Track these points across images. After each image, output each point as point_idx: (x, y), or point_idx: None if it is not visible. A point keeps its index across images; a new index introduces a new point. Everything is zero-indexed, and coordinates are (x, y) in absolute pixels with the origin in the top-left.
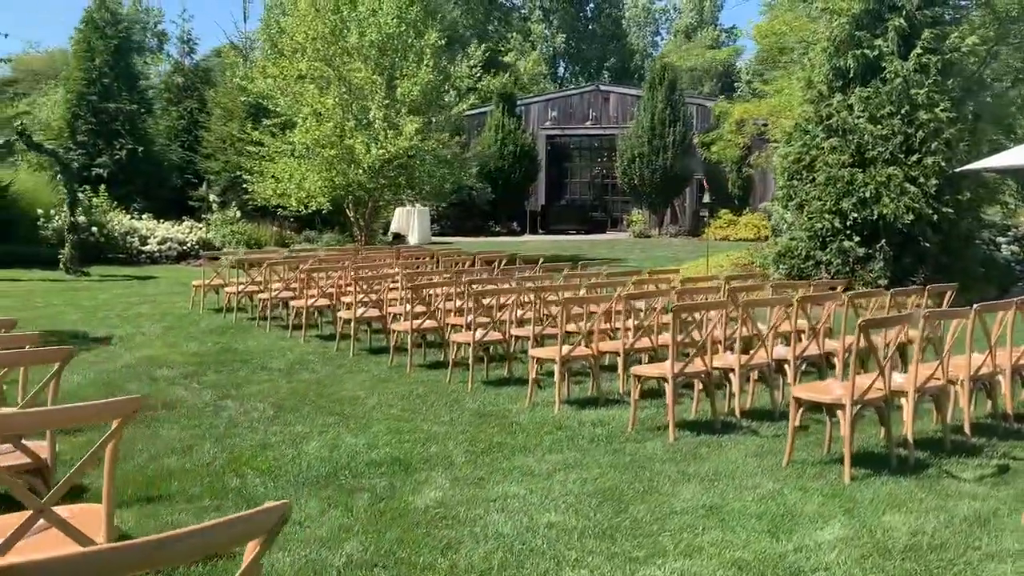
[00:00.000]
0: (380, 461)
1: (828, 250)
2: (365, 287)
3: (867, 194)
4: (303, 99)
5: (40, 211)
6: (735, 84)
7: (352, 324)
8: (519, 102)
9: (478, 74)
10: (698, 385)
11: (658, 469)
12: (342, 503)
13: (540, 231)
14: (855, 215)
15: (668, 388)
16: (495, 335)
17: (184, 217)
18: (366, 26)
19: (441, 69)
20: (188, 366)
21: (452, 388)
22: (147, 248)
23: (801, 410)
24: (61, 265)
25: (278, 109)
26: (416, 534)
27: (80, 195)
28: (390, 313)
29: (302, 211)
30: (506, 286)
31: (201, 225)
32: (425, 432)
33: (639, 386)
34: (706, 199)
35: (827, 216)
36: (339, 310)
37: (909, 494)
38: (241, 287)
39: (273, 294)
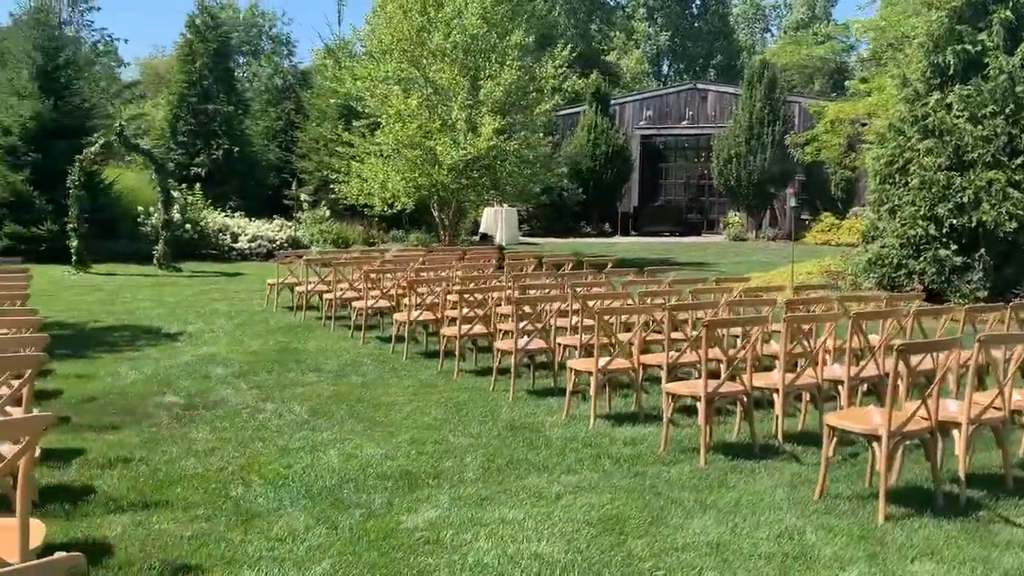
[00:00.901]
0: (389, 474)
1: (922, 259)
2: (421, 289)
3: (965, 199)
4: (387, 100)
5: (141, 208)
6: (846, 82)
7: (406, 327)
8: (613, 101)
9: (564, 74)
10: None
11: (675, 497)
12: (331, 520)
13: (633, 233)
14: (952, 221)
15: (700, 408)
16: (539, 343)
17: (276, 216)
18: (451, 28)
19: (527, 69)
20: (243, 365)
21: (493, 397)
22: (238, 245)
23: (835, 439)
24: (155, 261)
25: (367, 110)
26: (393, 559)
27: (176, 193)
28: (445, 317)
29: (387, 211)
30: (554, 292)
31: (291, 223)
32: (448, 444)
33: (672, 404)
34: (792, 203)
35: (921, 222)
36: (398, 312)
37: (949, 540)
38: (311, 286)
39: (338, 294)
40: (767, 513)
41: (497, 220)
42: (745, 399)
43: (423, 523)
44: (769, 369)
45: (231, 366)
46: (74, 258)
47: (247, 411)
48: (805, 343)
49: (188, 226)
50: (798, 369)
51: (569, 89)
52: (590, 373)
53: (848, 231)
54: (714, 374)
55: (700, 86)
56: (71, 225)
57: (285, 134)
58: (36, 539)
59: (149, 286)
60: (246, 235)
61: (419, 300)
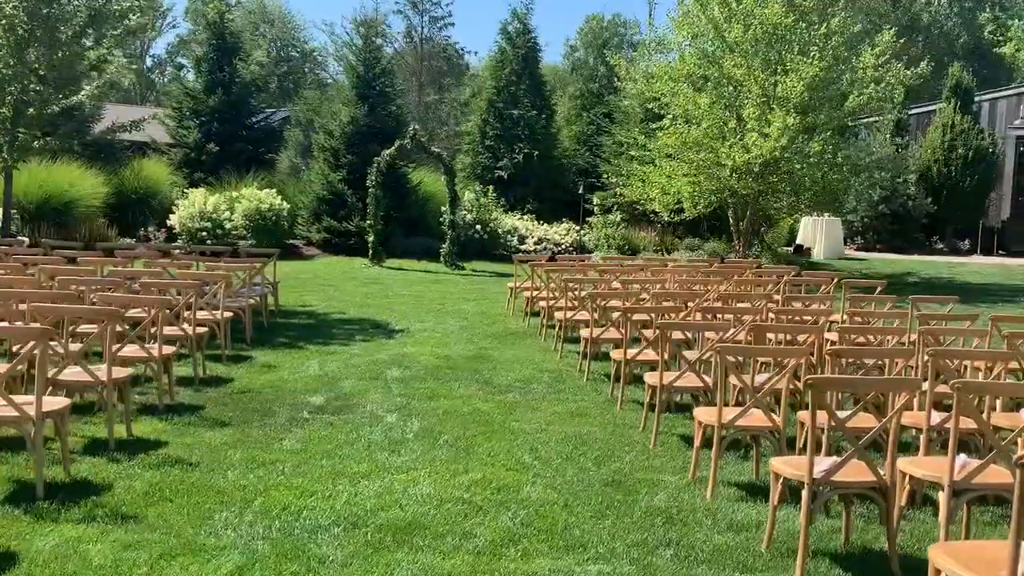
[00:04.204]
0: (390, 525)
1: None
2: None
3: None
4: (675, 100)
5: (443, 209)
6: None
7: (588, 344)
8: (978, 97)
9: (887, 64)
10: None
11: None
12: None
13: (999, 253)
14: None
15: (804, 498)
16: (691, 380)
17: (565, 220)
18: (751, 19)
19: (844, 59)
20: (424, 369)
21: (635, 438)
22: (523, 247)
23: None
24: (442, 258)
25: (662, 111)
26: None
27: (471, 195)
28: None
29: (673, 217)
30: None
31: (578, 227)
32: (512, 495)
33: (779, 487)
34: None
35: None
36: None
37: None
38: (536, 292)
39: (550, 303)
40: None
41: (816, 231)
42: (879, 492)
43: None
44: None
45: (411, 369)
46: (370, 252)
47: (364, 423)
48: None
49: (478, 227)
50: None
51: (895, 82)
52: (709, 426)
53: None
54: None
55: None
56: (369, 222)
57: (595, 138)
58: None
59: (422, 282)
60: (532, 237)
61: (601, 314)
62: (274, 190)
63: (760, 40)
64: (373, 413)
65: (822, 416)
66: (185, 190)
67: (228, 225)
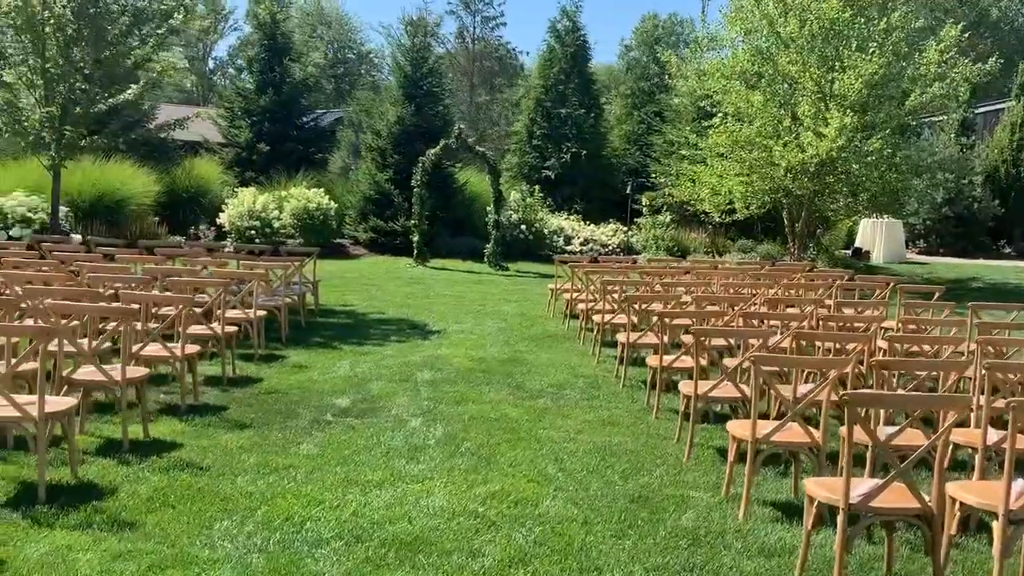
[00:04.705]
0: (395, 540)
1: None
2: (654, 306)
3: None
4: (727, 98)
5: (489, 209)
6: None
7: (625, 349)
8: None
9: (952, 60)
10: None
11: None
12: None
13: None
14: None
15: (839, 524)
16: (728, 390)
17: (612, 220)
18: (807, 14)
19: (904, 56)
20: (456, 372)
21: (668, 450)
22: (569, 248)
23: None
24: (485, 259)
25: (714, 109)
26: None
27: (517, 195)
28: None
29: (725, 218)
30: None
31: (626, 228)
32: (530, 510)
33: (813, 511)
34: None
35: None
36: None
37: None
38: (576, 294)
39: (589, 305)
40: None
41: (875, 234)
42: (923, 519)
43: None
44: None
45: (442, 372)
46: (415, 251)
47: (387, 426)
48: None
49: (524, 227)
50: None
51: (960, 79)
52: (744, 441)
53: None
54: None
55: None
56: (413, 221)
57: (646, 137)
58: None
59: (465, 283)
60: (578, 238)
61: (641, 318)
62: (322, 189)
63: (816, 36)
64: (398, 417)
65: (862, 433)
66: (235, 189)
67: (276, 224)
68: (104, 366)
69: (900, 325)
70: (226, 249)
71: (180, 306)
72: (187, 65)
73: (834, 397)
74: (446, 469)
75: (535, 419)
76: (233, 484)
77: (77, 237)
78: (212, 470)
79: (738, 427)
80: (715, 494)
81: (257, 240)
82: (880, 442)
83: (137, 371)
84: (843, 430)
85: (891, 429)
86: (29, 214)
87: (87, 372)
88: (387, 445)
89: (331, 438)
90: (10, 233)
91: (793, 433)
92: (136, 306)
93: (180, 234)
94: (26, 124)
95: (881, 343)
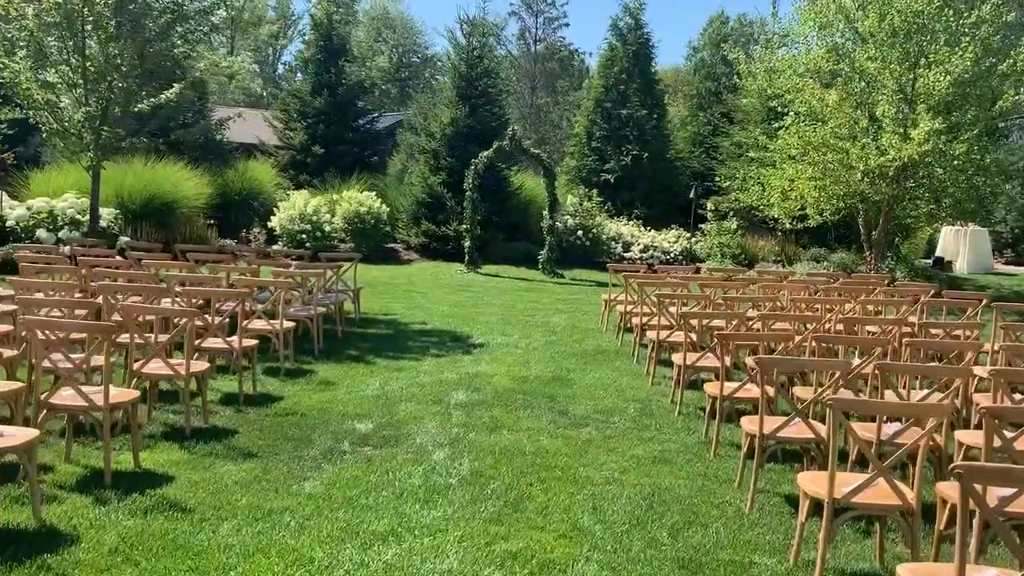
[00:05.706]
0: None
1: None
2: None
3: None
4: (800, 96)
5: (545, 214)
6: None
7: (682, 372)
8: None
9: None
10: None
11: None
12: None
13: None
14: None
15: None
16: (800, 429)
17: (675, 226)
18: (888, 7)
19: (995, 52)
20: (494, 393)
21: (727, 497)
22: (628, 255)
23: None
24: (539, 265)
25: (785, 110)
26: None
27: (574, 198)
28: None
29: (795, 224)
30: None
31: (689, 234)
32: None
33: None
34: None
35: None
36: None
37: None
38: (630, 306)
39: (644, 319)
40: None
41: (958, 243)
42: None
43: None
44: None
45: (479, 392)
46: (466, 257)
47: (410, 457)
48: None
49: (580, 232)
50: None
51: None
52: (821, 499)
53: None
54: None
55: None
56: (465, 226)
57: (712, 139)
58: None
59: (516, 291)
60: (638, 244)
61: (700, 336)
62: (374, 193)
63: (899, 30)
64: (421, 447)
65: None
66: (288, 192)
67: (328, 228)
68: (89, 387)
69: (1001, 351)
70: (274, 254)
71: (184, 320)
72: (256, 69)
73: (932, 440)
74: (465, 518)
75: (576, 453)
76: (214, 534)
77: (126, 238)
78: (195, 513)
79: (811, 481)
80: (782, 559)
81: (308, 244)
82: (999, 524)
83: (124, 395)
84: (942, 488)
85: (1005, 492)
86: (79, 216)
87: (65, 396)
88: (402, 485)
89: (340, 473)
90: (59, 235)
91: (879, 493)
92: (118, 319)
93: (232, 237)
94: (67, 124)
95: (979, 371)
